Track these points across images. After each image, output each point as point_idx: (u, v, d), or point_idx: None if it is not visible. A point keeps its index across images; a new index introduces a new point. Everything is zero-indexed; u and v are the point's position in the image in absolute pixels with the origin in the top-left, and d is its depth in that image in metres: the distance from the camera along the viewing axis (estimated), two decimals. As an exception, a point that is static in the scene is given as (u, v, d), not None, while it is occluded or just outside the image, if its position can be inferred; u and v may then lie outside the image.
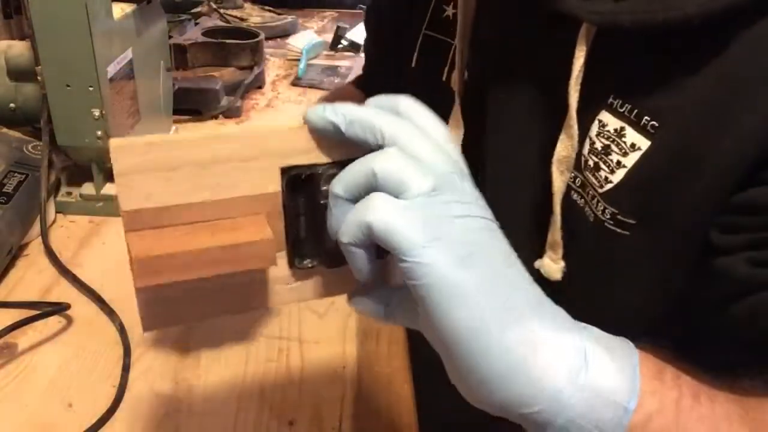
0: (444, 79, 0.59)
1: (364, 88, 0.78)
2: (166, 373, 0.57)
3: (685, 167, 0.42)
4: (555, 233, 0.49)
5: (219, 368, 0.58)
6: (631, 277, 0.48)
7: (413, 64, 0.63)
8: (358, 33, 1.54)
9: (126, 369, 0.56)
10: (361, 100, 0.80)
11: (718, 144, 0.40)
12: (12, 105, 0.77)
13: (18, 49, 0.75)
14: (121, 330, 0.60)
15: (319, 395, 0.55)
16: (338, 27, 1.47)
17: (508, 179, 0.54)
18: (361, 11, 1.69)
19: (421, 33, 0.61)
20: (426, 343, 0.38)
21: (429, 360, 0.36)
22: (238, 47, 1.19)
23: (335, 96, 0.81)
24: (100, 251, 0.73)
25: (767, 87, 0.39)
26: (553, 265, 0.50)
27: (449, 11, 0.56)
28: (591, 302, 0.51)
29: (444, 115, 0.57)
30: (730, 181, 0.41)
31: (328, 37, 1.49)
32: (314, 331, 0.63)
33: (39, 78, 0.69)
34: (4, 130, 0.76)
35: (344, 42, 1.47)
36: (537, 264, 0.51)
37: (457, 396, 0.34)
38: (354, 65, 1.39)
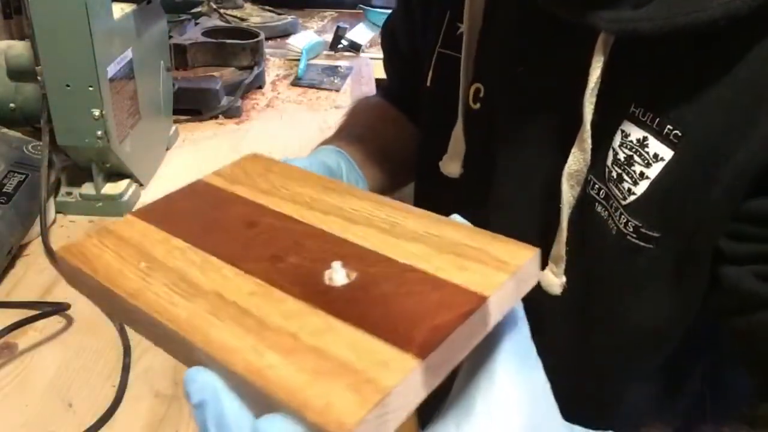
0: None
1: (393, 101, 0.77)
2: (166, 373, 0.57)
3: (707, 176, 0.41)
4: (560, 247, 0.48)
5: (219, 368, 0.58)
6: (651, 293, 0.47)
7: (428, 83, 0.62)
8: (358, 33, 1.54)
9: (126, 369, 0.56)
10: (387, 117, 0.79)
11: (736, 150, 0.39)
12: (12, 105, 0.77)
13: (18, 49, 0.75)
14: (121, 330, 0.60)
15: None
16: (338, 27, 1.47)
17: (520, 192, 0.53)
18: (361, 11, 1.69)
19: (435, 51, 0.60)
20: None
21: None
22: (238, 47, 1.19)
23: (359, 109, 0.80)
24: (100, 251, 0.73)
25: None
26: (554, 279, 0.49)
27: (463, 28, 0.55)
28: (608, 320, 0.50)
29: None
30: (743, 187, 0.40)
31: (328, 37, 1.49)
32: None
33: (39, 78, 0.69)
34: (4, 130, 0.76)
35: (344, 42, 1.47)
36: None
37: None
38: (354, 65, 1.39)
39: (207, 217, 0.28)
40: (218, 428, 0.22)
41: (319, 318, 0.22)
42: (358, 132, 0.69)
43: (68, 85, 0.69)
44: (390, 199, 0.28)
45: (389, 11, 1.71)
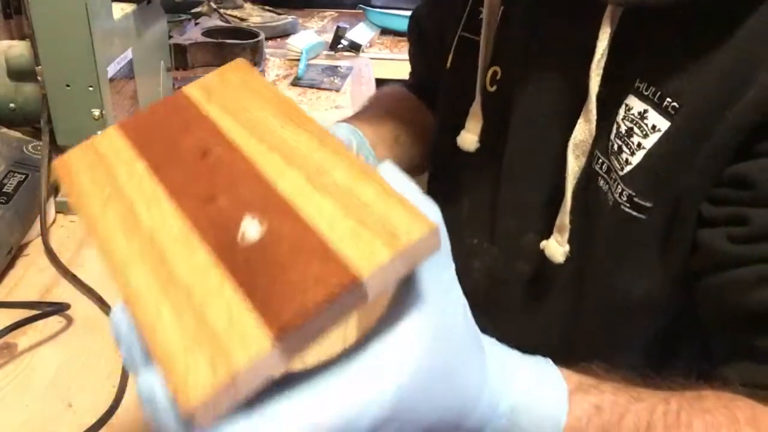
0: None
1: (414, 90, 0.79)
2: (166, 373, 0.57)
3: (697, 144, 0.43)
4: (564, 216, 0.50)
5: (219, 368, 0.58)
6: (642, 264, 0.49)
7: (448, 66, 0.64)
8: (358, 33, 1.54)
9: (126, 369, 0.56)
10: (407, 105, 0.83)
11: (724, 117, 0.41)
12: (12, 105, 0.77)
13: (18, 49, 0.75)
14: (121, 330, 0.60)
15: (319, 395, 0.55)
16: (338, 27, 1.47)
17: (530, 166, 0.55)
18: (361, 11, 1.69)
19: (457, 35, 0.62)
20: None
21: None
22: (238, 47, 1.19)
23: (380, 95, 0.82)
24: (100, 251, 0.73)
25: None
26: (557, 248, 0.51)
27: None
28: (603, 289, 0.52)
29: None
30: (728, 154, 0.41)
31: (328, 37, 1.49)
32: (314, 331, 0.62)
33: (39, 78, 0.69)
34: (4, 130, 0.76)
35: (344, 42, 1.47)
36: (542, 244, 0.52)
37: None
38: (354, 65, 1.39)
39: (173, 138, 0.31)
40: (130, 359, 0.26)
41: (216, 278, 0.25)
42: (375, 114, 0.71)
43: (68, 85, 0.69)
44: (336, 141, 0.29)
45: (389, 11, 1.71)
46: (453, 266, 0.29)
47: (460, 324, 0.29)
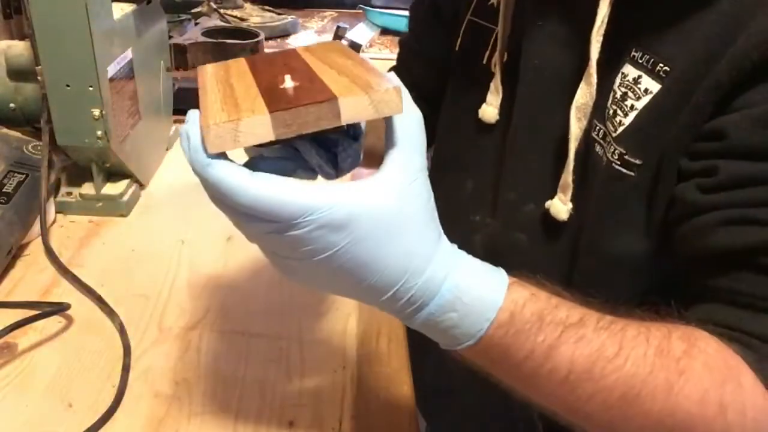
0: (484, 62, 0.64)
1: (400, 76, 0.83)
2: (166, 373, 0.57)
3: (682, 104, 0.45)
4: (567, 176, 0.53)
5: (219, 368, 0.58)
6: (629, 222, 0.51)
7: (456, 48, 0.68)
8: (358, 33, 1.54)
9: (126, 369, 0.56)
10: None
11: (706, 76, 0.44)
12: (12, 105, 0.77)
13: (18, 49, 0.75)
14: (121, 330, 0.60)
15: (319, 395, 0.55)
16: (338, 27, 1.47)
17: (534, 134, 0.58)
18: (361, 11, 1.69)
19: (466, 19, 0.66)
20: (427, 342, 0.39)
21: (429, 358, 0.36)
22: (238, 47, 1.19)
23: None
24: (100, 251, 0.73)
25: (751, 20, 0.42)
26: (561, 206, 0.54)
27: (494, 0, 0.62)
28: (592, 249, 0.55)
29: (481, 91, 0.63)
30: (707, 110, 0.44)
31: (328, 37, 1.49)
32: (314, 331, 0.63)
33: (39, 78, 0.69)
34: (4, 130, 0.76)
35: (344, 42, 1.47)
36: (547, 204, 0.55)
37: (459, 396, 0.34)
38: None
39: (273, 60, 0.44)
40: (187, 121, 0.35)
41: (255, 94, 0.36)
42: None
43: (68, 85, 0.69)
44: (370, 65, 0.39)
45: (389, 11, 1.71)
46: (426, 162, 0.36)
47: (424, 198, 0.34)
